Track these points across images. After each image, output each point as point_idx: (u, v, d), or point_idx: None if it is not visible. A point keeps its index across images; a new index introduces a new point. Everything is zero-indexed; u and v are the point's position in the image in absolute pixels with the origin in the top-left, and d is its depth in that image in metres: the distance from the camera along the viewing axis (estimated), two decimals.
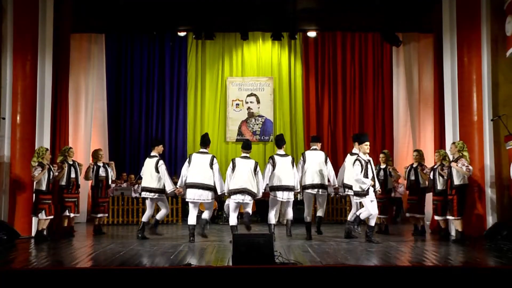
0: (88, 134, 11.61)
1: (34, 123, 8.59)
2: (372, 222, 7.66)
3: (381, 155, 9.24)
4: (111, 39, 12.47)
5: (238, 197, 7.67)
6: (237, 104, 13.00)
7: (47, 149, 8.18)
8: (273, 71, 13.09)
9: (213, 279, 4.86)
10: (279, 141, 8.29)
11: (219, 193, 7.85)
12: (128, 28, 11.65)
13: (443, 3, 8.98)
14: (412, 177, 8.73)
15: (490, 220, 8.18)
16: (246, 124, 12.96)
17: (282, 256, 5.81)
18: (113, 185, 11.01)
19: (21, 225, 8.20)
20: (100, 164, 9.07)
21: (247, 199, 7.69)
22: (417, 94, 11.80)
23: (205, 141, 8.03)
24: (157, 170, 8.08)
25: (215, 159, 7.89)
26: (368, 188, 7.51)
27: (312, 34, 12.15)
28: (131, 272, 5.10)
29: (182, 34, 12.07)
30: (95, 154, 9.12)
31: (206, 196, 7.76)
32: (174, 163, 12.27)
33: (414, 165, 8.80)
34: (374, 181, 7.74)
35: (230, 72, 13.11)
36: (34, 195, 8.13)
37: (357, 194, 7.63)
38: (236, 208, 7.84)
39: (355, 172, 7.56)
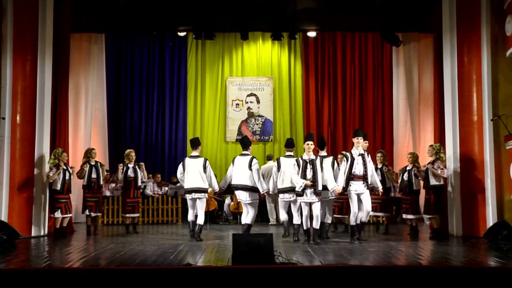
0: (88, 134, 11.61)
1: (34, 123, 8.60)
2: (316, 225, 7.54)
3: (378, 155, 9.25)
4: (111, 39, 12.46)
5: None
6: (237, 104, 12.99)
7: (63, 151, 8.68)
8: (273, 71, 13.08)
9: (213, 279, 4.87)
10: (291, 144, 8.48)
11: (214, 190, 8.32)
12: (128, 28, 11.65)
13: (443, 3, 8.97)
14: (406, 179, 8.72)
15: (490, 220, 8.18)
16: (246, 124, 12.95)
17: (282, 256, 5.81)
18: (113, 185, 11.01)
19: (21, 225, 8.20)
20: (131, 166, 9.20)
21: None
22: (417, 94, 11.80)
23: (195, 144, 8.32)
24: (205, 170, 8.19)
25: (207, 162, 8.24)
26: (305, 189, 7.41)
27: (312, 34, 12.15)
28: (131, 272, 5.10)
29: (182, 34, 12.06)
30: (128, 156, 9.25)
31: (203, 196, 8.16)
32: (174, 163, 12.22)
33: (409, 167, 8.80)
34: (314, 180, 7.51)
35: (230, 72, 13.10)
36: (49, 194, 8.64)
37: (297, 194, 7.59)
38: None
39: (292, 172, 7.62)
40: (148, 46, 12.94)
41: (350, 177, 7.62)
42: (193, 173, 8.11)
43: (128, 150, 9.42)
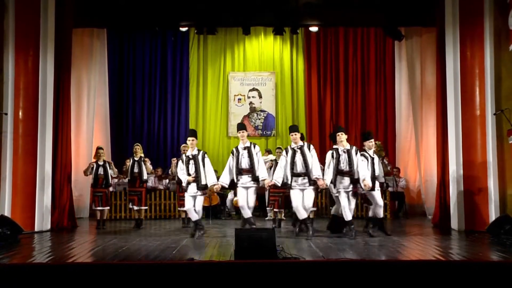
0: (90, 129, 11.60)
1: (37, 118, 8.60)
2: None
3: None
4: (113, 34, 12.45)
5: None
6: (239, 99, 12.98)
7: (99, 148, 9.34)
8: (275, 65, 13.06)
9: (216, 274, 4.87)
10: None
11: (209, 184, 7.89)
12: (130, 23, 11.61)
13: None
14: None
15: (493, 215, 8.17)
16: (248, 119, 12.94)
17: (284, 251, 5.81)
18: (115, 180, 11.03)
19: (24, 220, 8.21)
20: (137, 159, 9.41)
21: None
22: (419, 88, 11.74)
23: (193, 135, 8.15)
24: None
25: (206, 154, 8.04)
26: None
27: (314, 29, 12.10)
28: (134, 267, 5.10)
29: (184, 29, 12.03)
30: (136, 149, 9.51)
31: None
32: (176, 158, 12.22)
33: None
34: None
35: (232, 67, 13.09)
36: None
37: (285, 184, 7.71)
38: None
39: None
40: (150, 41, 12.93)
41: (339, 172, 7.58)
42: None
43: (135, 144, 9.66)
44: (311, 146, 7.71)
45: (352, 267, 5.02)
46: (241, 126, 8.00)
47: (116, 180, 11.04)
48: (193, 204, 7.77)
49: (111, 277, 4.86)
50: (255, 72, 13.01)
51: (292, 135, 7.66)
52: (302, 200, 7.53)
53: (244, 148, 7.80)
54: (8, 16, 8.55)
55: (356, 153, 7.62)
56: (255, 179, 7.70)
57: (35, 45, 8.65)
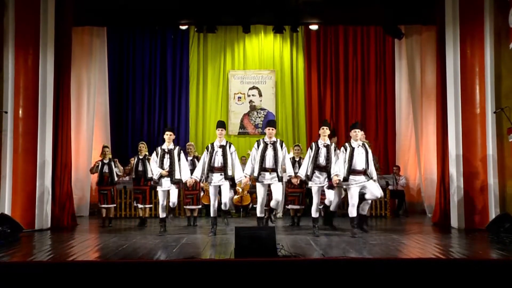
0: (90, 128, 11.60)
1: (37, 117, 8.59)
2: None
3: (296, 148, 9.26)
4: (112, 32, 12.44)
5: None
6: (239, 97, 12.98)
7: (104, 146, 9.44)
8: (275, 64, 13.05)
9: (216, 272, 4.87)
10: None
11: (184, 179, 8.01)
12: (129, 21, 11.61)
13: None
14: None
15: (493, 213, 8.17)
16: (248, 117, 12.94)
17: (285, 249, 5.81)
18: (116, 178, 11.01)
19: (24, 218, 8.22)
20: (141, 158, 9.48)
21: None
22: (419, 87, 11.75)
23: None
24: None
25: (182, 150, 8.21)
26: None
27: (314, 27, 12.10)
28: (133, 266, 5.10)
29: (183, 27, 12.03)
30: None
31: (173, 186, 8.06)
32: None
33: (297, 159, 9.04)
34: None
35: (232, 65, 13.08)
36: None
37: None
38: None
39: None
40: (150, 39, 12.92)
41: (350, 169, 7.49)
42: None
43: (139, 143, 9.71)
44: (283, 143, 7.80)
45: (352, 266, 5.01)
46: (220, 124, 8.01)
47: (116, 178, 11.02)
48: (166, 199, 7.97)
49: (111, 275, 4.86)
50: (255, 70, 13.00)
51: (268, 130, 7.75)
52: (268, 195, 7.72)
53: (220, 146, 7.85)
54: (8, 15, 8.53)
55: (335, 150, 7.69)
56: (227, 177, 7.76)
57: (35, 43, 8.64)
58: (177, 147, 8.12)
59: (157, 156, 8.05)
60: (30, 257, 5.90)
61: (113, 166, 9.32)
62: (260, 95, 12.97)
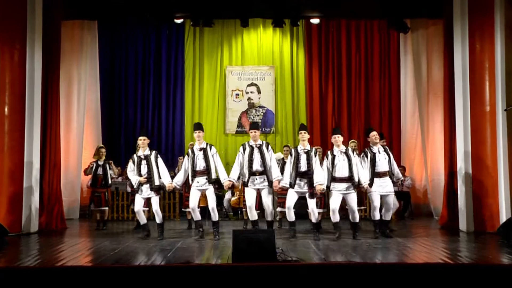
0: (81, 126, 11.57)
1: (23, 114, 8.53)
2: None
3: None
4: (104, 26, 12.36)
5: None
6: (237, 94, 12.95)
7: (100, 147, 9.52)
8: (274, 59, 13.02)
9: (212, 277, 4.84)
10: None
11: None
12: (122, 15, 11.58)
13: None
14: None
15: (504, 215, 8.14)
16: (247, 115, 12.92)
17: (284, 253, 5.79)
18: (110, 181, 10.99)
19: (10, 221, 8.12)
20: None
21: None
22: (425, 83, 11.74)
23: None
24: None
25: (158, 154, 8.17)
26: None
27: (315, 21, 12.07)
28: (126, 271, 5.08)
29: (179, 21, 11.99)
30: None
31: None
32: (172, 157, 12.21)
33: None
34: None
35: (229, 61, 13.05)
36: None
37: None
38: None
39: None
40: (144, 34, 12.88)
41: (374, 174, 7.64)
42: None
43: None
44: (269, 146, 7.83)
45: (355, 270, 4.99)
46: (198, 126, 8.02)
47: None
48: (144, 206, 7.96)
49: (102, 281, 4.83)
50: (254, 66, 12.98)
51: (251, 132, 7.78)
52: (258, 201, 7.72)
53: (200, 150, 7.84)
54: None
55: (315, 155, 7.68)
56: (211, 181, 7.74)
57: (22, 37, 8.57)
58: (154, 152, 8.06)
59: (134, 164, 7.99)
60: (16, 262, 5.85)
61: (108, 168, 9.32)
62: (259, 92, 12.95)
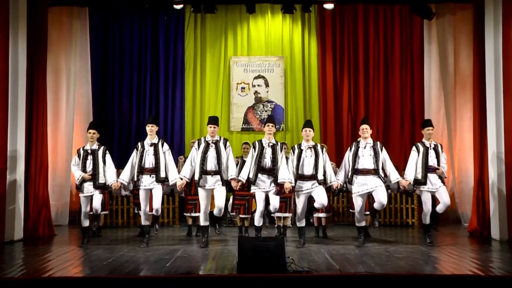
0: (70, 123, 11.59)
1: (6, 109, 8.50)
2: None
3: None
4: (95, 13, 12.41)
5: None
6: (243, 88, 12.97)
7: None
8: (284, 49, 13.02)
9: None
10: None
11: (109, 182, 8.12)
12: (115, 0, 11.61)
13: None
14: None
15: None
16: (253, 111, 12.93)
17: (295, 263, 5.78)
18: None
19: None
20: None
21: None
22: (452, 75, 11.70)
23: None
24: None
25: (107, 150, 8.30)
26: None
27: (329, 6, 12.01)
28: (121, 282, 5.09)
29: (178, 7, 11.98)
30: None
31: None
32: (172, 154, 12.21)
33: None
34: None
35: (234, 51, 13.06)
36: None
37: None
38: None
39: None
40: (140, 21, 12.91)
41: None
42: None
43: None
44: (227, 142, 7.90)
45: (373, 282, 4.99)
46: (153, 120, 8.16)
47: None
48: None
49: None
50: (261, 56, 12.98)
51: (210, 127, 7.83)
52: (210, 200, 7.78)
53: (151, 145, 7.89)
54: None
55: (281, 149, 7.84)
56: (159, 180, 7.79)
57: (4, 26, 8.56)
58: (102, 147, 8.15)
59: (79, 158, 8.05)
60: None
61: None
62: (267, 85, 12.95)
